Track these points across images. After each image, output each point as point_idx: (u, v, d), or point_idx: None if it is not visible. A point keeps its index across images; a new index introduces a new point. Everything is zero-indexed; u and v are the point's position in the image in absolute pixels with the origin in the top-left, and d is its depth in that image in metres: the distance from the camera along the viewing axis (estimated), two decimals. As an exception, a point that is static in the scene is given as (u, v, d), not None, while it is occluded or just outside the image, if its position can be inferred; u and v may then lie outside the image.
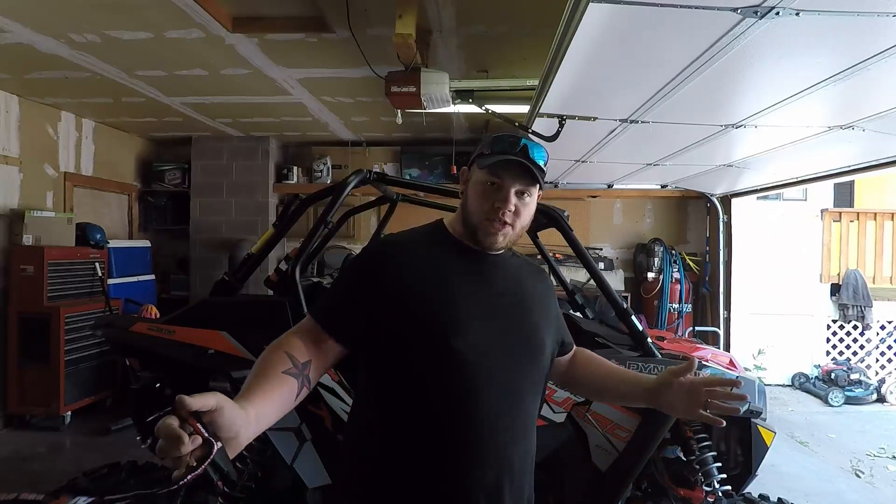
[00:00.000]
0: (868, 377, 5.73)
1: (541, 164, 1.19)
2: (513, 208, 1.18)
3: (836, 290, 6.10)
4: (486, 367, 1.14)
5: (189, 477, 0.80)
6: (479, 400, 1.12)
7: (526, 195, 1.20)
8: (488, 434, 1.12)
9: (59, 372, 4.45)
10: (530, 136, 1.26)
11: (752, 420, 2.34)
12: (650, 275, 5.84)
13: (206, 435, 0.81)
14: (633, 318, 2.37)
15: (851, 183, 6.36)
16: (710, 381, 1.24)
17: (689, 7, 1.47)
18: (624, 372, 1.43)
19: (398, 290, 1.15)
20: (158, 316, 4.21)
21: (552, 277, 2.17)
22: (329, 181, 6.23)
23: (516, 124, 3.15)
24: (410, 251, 1.22)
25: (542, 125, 2.82)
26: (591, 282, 2.50)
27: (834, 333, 6.21)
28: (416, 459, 1.12)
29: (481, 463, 1.12)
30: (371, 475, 1.15)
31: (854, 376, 5.64)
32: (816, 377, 5.93)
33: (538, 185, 1.21)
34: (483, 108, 3.39)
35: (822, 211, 6.18)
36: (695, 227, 6.32)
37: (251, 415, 0.93)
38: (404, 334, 1.14)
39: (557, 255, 5.27)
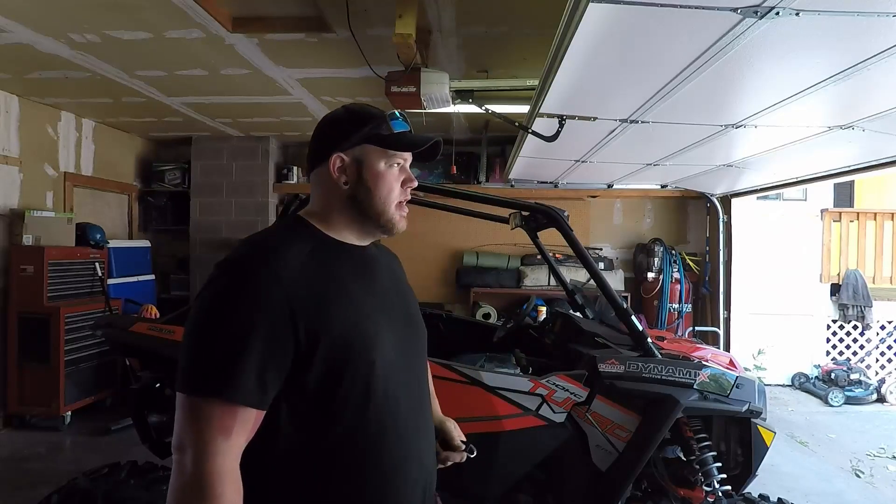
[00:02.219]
0: (868, 377, 5.73)
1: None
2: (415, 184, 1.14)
3: (836, 290, 6.10)
4: (400, 379, 1.07)
5: None
6: (399, 414, 1.06)
7: None
8: (411, 446, 1.08)
9: (59, 372, 4.45)
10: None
11: (752, 420, 2.35)
12: (650, 275, 5.84)
13: None
14: (633, 318, 2.37)
15: (851, 183, 6.36)
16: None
17: (689, 7, 1.47)
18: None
19: (310, 316, 0.95)
20: (158, 316, 4.22)
21: (552, 277, 2.16)
22: (329, 181, 6.23)
23: (516, 124, 3.15)
24: (299, 265, 0.99)
25: (542, 125, 2.82)
26: (591, 282, 2.50)
27: (834, 333, 6.21)
28: (343, 492, 1.01)
29: (409, 478, 1.07)
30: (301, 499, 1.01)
31: (854, 376, 5.64)
32: (816, 377, 5.93)
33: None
34: (483, 108, 3.39)
35: (822, 211, 6.18)
36: (695, 227, 6.32)
37: None
38: (325, 367, 0.96)
39: (557, 255, 5.28)
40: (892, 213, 6.24)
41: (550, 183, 5.74)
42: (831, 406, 5.50)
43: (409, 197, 1.14)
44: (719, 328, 5.81)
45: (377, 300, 1.09)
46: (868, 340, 6.15)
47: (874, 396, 5.63)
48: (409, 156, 1.13)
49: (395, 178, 1.11)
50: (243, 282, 0.94)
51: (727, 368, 2.37)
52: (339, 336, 0.97)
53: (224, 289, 0.95)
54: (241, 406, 0.89)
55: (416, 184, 1.14)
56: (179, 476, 0.87)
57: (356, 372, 0.99)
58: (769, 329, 6.06)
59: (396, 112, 1.14)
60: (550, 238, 2.78)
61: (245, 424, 0.90)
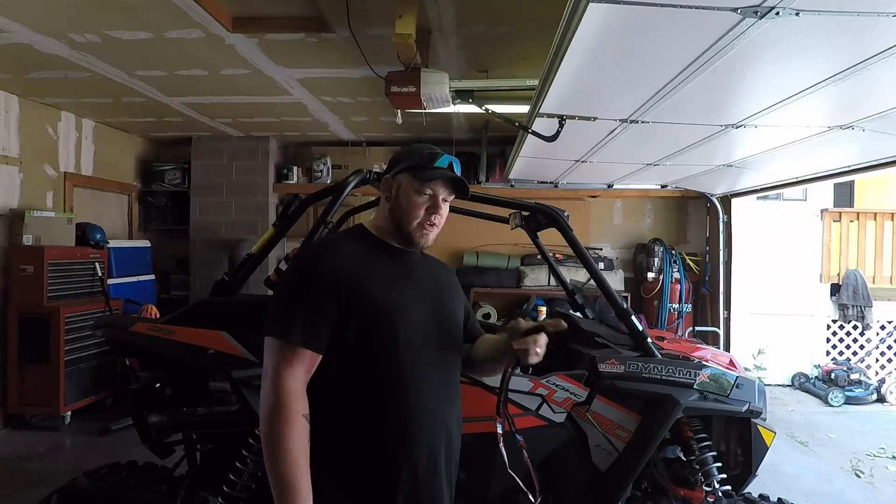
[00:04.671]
0: (868, 377, 5.73)
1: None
2: (441, 213, 1.42)
3: (836, 290, 6.11)
4: (423, 348, 1.35)
5: None
6: (422, 377, 1.34)
7: (446, 202, 1.44)
8: (430, 403, 1.34)
9: (59, 372, 4.45)
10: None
11: (752, 420, 2.35)
12: (650, 275, 5.84)
13: None
14: (633, 318, 2.37)
15: (851, 183, 6.36)
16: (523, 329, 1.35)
17: (689, 7, 1.47)
18: (494, 337, 1.57)
19: (347, 286, 1.30)
20: (158, 316, 4.22)
21: (552, 277, 2.18)
22: (329, 181, 6.24)
23: (516, 124, 3.15)
24: (347, 251, 1.37)
25: (542, 125, 2.82)
26: (591, 282, 2.49)
27: (834, 333, 6.21)
28: (372, 434, 1.30)
29: (426, 432, 1.33)
30: (328, 453, 1.29)
31: (854, 376, 5.64)
32: (816, 377, 5.93)
33: (455, 195, 1.44)
34: (483, 108, 3.39)
35: (822, 211, 6.18)
36: (695, 227, 6.32)
37: None
38: (355, 325, 1.30)
39: (557, 255, 5.28)
40: (892, 213, 6.25)
41: (550, 183, 5.74)
42: (831, 406, 5.50)
43: (433, 221, 1.40)
44: (719, 328, 5.81)
45: (409, 287, 1.40)
46: (868, 340, 6.15)
47: (874, 396, 5.64)
48: (441, 189, 1.40)
49: (420, 203, 1.39)
50: (303, 265, 1.35)
51: (727, 368, 2.37)
52: (369, 303, 1.31)
53: (292, 269, 1.37)
54: (296, 345, 1.25)
55: (440, 210, 1.40)
56: (262, 394, 1.25)
57: (382, 334, 1.31)
58: (769, 329, 6.06)
59: (438, 152, 1.42)
60: (550, 238, 2.78)
61: (301, 359, 1.26)
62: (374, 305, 1.31)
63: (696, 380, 2.25)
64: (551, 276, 5.53)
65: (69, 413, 4.58)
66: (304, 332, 1.26)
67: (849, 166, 3.80)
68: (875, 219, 6.21)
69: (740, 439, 2.48)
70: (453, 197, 1.45)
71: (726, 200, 5.85)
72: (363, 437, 1.30)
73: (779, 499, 2.44)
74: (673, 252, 5.96)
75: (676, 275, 5.87)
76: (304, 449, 1.20)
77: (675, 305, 5.86)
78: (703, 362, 2.35)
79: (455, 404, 1.44)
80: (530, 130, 2.90)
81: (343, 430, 1.31)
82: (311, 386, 1.29)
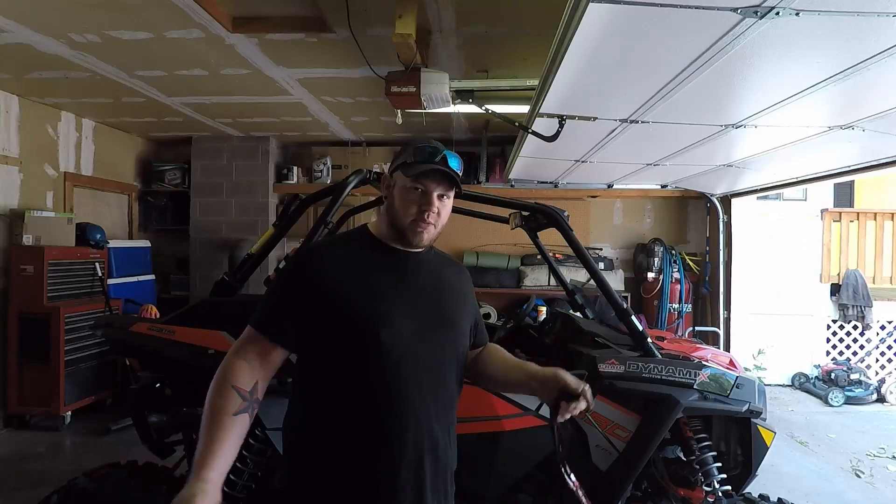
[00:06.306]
0: (868, 377, 5.73)
1: (457, 170, 1.35)
2: (436, 210, 1.35)
3: (836, 290, 6.10)
4: (410, 354, 1.30)
5: None
6: (406, 383, 1.29)
7: (445, 197, 1.37)
8: (414, 412, 1.29)
9: (59, 372, 4.45)
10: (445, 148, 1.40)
11: (752, 420, 2.34)
12: (650, 275, 5.84)
13: None
14: (633, 318, 2.37)
15: (851, 183, 6.36)
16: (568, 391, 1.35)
17: (689, 7, 1.47)
18: (518, 362, 1.56)
19: (327, 289, 1.29)
20: (158, 316, 4.22)
21: (552, 277, 2.17)
22: (329, 181, 6.24)
23: (516, 124, 3.15)
24: (336, 254, 1.36)
25: (542, 125, 2.82)
26: (591, 282, 2.49)
27: (834, 333, 6.21)
28: (351, 439, 1.28)
29: (408, 438, 1.28)
30: (312, 458, 1.30)
31: (854, 376, 5.64)
32: (816, 377, 5.93)
33: (455, 189, 1.37)
34: (483, 108, 3.39)
35: (822, 211, 6.18)
36: (695, 227, 6.32)
37: (216, 484, 1.12)
38: (336, 329, 1.29)
39: (557, 255, 5.27)
40: (892, 213, 6.24)
41: (550, 183, 5.74)
42: (831, 406, 5.50)
43: (427, 219, 1.34)
44: (719, 328, 5.81)
45: (401, 291, 1.35)
46: (868, 340, 6.15)
47: (874, 396, 5.64)
48: (433, 185, 1.34)
49: (413, 200, 1.34)
50: (292, 265, 1.37)
51: (727, 368, 2.37)
52: (351, 308, 1.29)
53: (283, 269, 1.42)
54: (257, 332, 1.30)
55: (431, 208, 1.33)
56: None
57: (364, 340, 1.27)
58: (769, 329, 6.06)
59: (431, 147, 1.36)
60: (550, 238, 2.78)
61: (254, 342, 1.29)
62: (356, 312, 1.28)
63: (696, 380, 2.25)
64: (551, 276, 5.53)
65: (69, 413, 4.58)
66: (265, 320, 1.31)
67: (849, 166, 3.80)
68: (875, 219, 6.21)
69: (740, 439, 2.48)
70: (453, 192, 1.38)
71: (726, 200, 5.85)
72: (343, 444, 1.28)
73: (779, 499, 2.44)
74: (673, 252, 5.96)
75: (676, 275, 5.87)
76: (225, 415, 1.20)
77: (675, 305, 5.86)
78: (703, 362, 2.35)
79: (445, 412, 1.38)
80: (530, 130, 2.90)
81: (327, 438, 1.30)
82: (304, 394, 1.34)
